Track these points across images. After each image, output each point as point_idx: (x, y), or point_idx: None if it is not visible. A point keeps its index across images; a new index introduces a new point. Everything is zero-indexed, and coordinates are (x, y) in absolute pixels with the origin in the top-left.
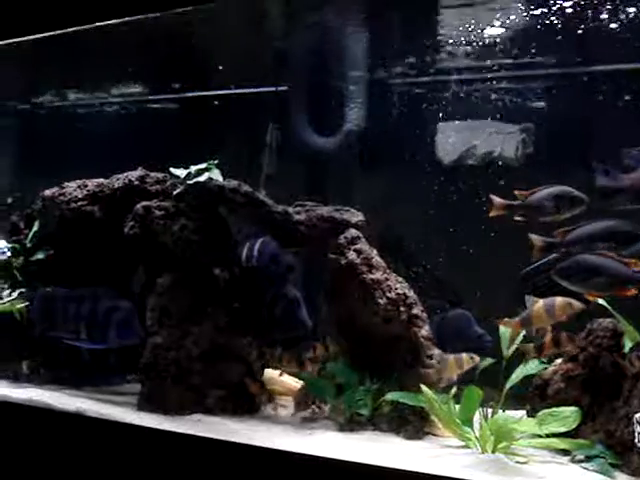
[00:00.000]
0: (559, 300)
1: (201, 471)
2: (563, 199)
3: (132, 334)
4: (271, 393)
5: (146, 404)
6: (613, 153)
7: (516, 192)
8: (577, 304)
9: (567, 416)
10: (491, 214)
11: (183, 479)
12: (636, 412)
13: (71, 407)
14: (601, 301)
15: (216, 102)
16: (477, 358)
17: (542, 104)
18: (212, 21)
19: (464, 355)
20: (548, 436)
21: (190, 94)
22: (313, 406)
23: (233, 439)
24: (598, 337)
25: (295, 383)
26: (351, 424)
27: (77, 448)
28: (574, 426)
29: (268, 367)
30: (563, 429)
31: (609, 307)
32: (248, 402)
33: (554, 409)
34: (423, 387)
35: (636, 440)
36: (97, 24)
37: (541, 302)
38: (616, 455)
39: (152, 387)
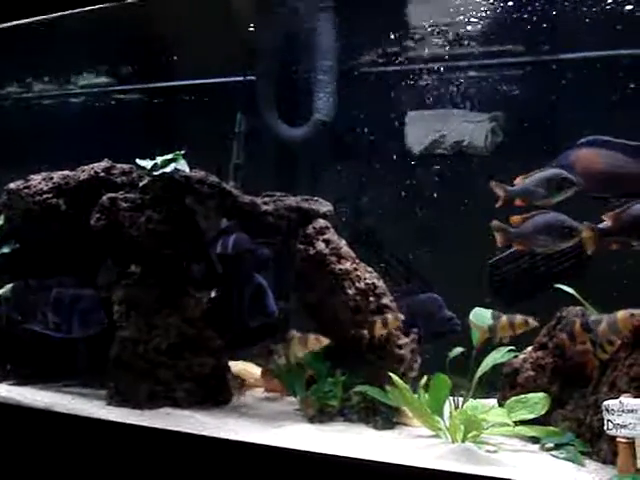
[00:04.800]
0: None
1: (170, 465)
2: (553, 182)
3: (94, 323)
4: (241, 385)
5: (115, 398)
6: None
7: (517, 178)
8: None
9: (536, 402)
10: (498, 204)
11: (152, 473)
12: (605, 399)
13: (40, 403)
14: (569, 289)
15: (183, 92)
16: (532, 321)
17: (512, 92)
18: (178, 9)
19: (518, 316)
20: (518, 424)
21: (156, 84)
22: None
23: (202, 432)
24: (567, 325)
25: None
26: (321, 416)
27: (46, 444)
28: (543, 412)
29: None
30: (532, 415)
31: (577, 295)
32: (218, 394)
33: (522, 396)
34: (394, 377)
35: (605, 427)
36: (60, 13)
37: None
38: (586, 443)
39: (121, 381)
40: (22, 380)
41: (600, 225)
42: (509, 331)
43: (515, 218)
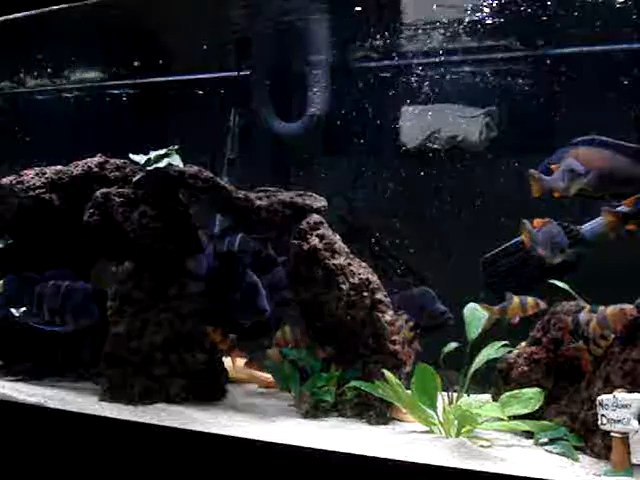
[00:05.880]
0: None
1: (164, 461)
2: (573, 173)
3: (87, 316)
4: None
5: (108, 394)
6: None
7: (531, 171)
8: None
9: (530, 397)
10: (536, 193)
11: (146, 469)
12: (599, 394)
13: (33, 398)
14: (562, 284)
15: (176, 87)
16: (543, 303)
17: (506, 87)
18: (172, 4)
19: (529, 298)
20: (512, 419)
21: (150, 79)
22: None
23: (196, 428)
24: (561, 320)
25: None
26: (315, 411)
27: (39, 440)
28: (537, 407)
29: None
30: (526, 410)
31: (570, 290)
32: (211, 390)
33: (516, 391)
34: (386, 373)
35: (599, 422)
36: (54, 7)
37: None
38: (579, 437)
39: (114, 377)
40: (15, 375)
41: (620, 209)
42: (520, 312)
43: (537, 222)
